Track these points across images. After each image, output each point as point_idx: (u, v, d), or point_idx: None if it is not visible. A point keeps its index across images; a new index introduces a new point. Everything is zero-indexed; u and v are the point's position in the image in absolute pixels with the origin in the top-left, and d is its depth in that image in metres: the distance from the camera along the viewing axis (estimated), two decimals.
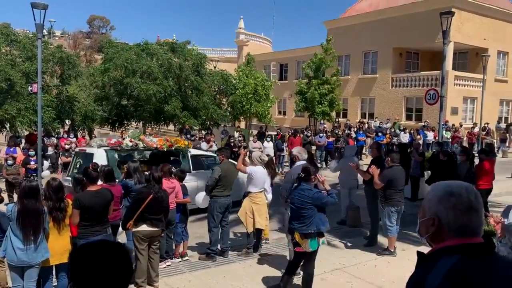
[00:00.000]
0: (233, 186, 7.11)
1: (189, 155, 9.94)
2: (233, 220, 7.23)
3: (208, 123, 21.91)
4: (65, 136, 16.45)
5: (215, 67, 25.76)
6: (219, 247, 6.91)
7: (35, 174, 10.60)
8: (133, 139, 9.15)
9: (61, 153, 14.50)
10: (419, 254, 1.70)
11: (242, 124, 30.39)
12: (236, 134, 19.27)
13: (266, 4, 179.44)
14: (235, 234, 8.24)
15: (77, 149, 10.02)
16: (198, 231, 8.15)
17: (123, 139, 9.25)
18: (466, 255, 1.56)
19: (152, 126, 22.74)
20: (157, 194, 5.45)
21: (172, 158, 9.86)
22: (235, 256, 6.91)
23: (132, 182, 6.56)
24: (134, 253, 5.46)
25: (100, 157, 8.42)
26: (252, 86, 24.70)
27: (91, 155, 8.65)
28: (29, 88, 13.07)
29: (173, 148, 9.73)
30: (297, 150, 6.45)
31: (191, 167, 9.72)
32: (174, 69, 19.81)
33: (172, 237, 6.63)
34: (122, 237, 6.50)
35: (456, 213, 1.62)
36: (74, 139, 15.99)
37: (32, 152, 11.16)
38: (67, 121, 19.53)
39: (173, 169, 6.92)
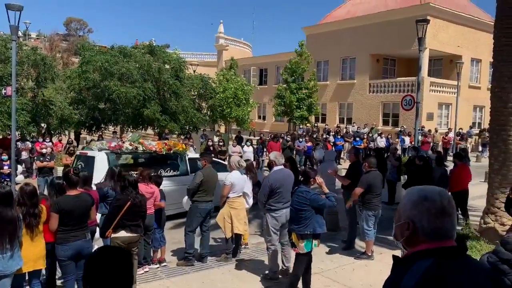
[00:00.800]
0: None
1: (187, 158, 10.20)
2: (211, 225, 7.20)
3: (188, 127, 21.81)
4: (41, 140, 16.09)
5: (194, 71, 25.70)
6: (198, 251, 6.87)
7: (8, 179, 10.34)
8: (133, 143, 9.37)
9: (36, 158, 14.17)
10: (395, 258, 1.73)
11: (222, 129, 30.35)
12: (216, 139, 19.23)
13: (246, 9, 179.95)
14: (215, 240, 8.21)
15: (77, 152, 10.35)
16: (176, 236, 8.09)
17: (123, 142, 9.49)
18: (440, 258, 1.59)
19: (131, 130, 22.47)
20: (135, 200, 5.39)
21: (169, 161, 10.06)
22: (213, 261, 6.88)
23: (107, 188, 6.47)
24: None
25: (102, 160, 8.64)
26: (232, 90, 24.73)
27: (93, 158, 8.85)
28: (3, 91, 12.78)
29: (172, 152, 9.92)
30: (274, 155, 6.45)
31: (189, 169, 9.95)
32: (153, 72, 19.67)
33: (150, 242, 6.56)
34: (98, 242, 6.39)
35: (430, 217, 1.65)
36: (50, 143, 15.65)
37: (5, 157, 10.89)
38: (43, 124, 19.13)
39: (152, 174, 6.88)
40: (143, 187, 5.98)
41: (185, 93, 21.38)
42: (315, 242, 5.35)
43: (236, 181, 6.91)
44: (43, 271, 5.09)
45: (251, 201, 7.45)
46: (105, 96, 19.43)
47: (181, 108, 20.65)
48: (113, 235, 5.40)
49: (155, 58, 21.19)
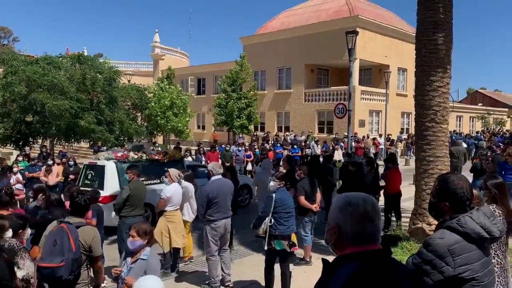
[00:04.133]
0: None
1: (185, 165, 10.83)
2: None
3: (123, 138, 21.08)
4: None
5: (129, 81, 24.98)
6: None
7: None
8: (137, 152, 10.29)
9: None
10: (324, 261, 1.78)
11: (160, 139, 29.71)
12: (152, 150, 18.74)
13: (182, 19, 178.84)
14: None
15: (86, 162, 10.86)
16: (110, 254, 7.73)
17: (129, 152, 10.33)
18: (364, 261, 1.65)
19: (62, 144, 21.29)
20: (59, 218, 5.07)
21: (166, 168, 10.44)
22: None
23: (33, 205, 6.06)
24: None
25: (111, 169, 9.35)
26: (167, 100, 24.32)
27: (103, 167, 9.47)
28: None
29: (171, 159, 10.61)
30: (212, 165, 6.42)
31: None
32: (86, 83, 18.84)
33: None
34: (27, 266, 5.94)
35: (353, 222, 1.72)
36: None
37: None
38: None
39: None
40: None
41: (119, 103, 20.68)
42: (283, 242, 5.55)
43: (174, 194, 6.76)
44: None
45: (194, 210, 7.33)
46: (34, 109, 18.28)
47: (116, 118, 19.94)
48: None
49: (87, 68, 20.31)
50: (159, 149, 19.16)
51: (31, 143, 20.55)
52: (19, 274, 3.53)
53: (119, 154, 9.88)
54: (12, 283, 2.82)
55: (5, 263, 2.92)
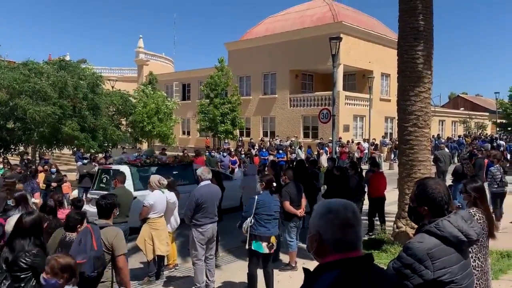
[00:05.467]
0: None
1: (194, 168, 11.01)
2: (130, 248, 6.87)
3: (107, 144, 20.84)
4: None
5: (113, 87, 24.76)
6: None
7: None
8: (149, 157, 10.77)
9: None
10: (305, 270, 1.77)
11: (145, 146, 29.46)
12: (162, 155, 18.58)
13: (167, 24, 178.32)
14: (137, 263, 7.86)
15: (101, 166, 11.43)
16: None
17: (141, 156, 10.89)
18: (345, 269, 1.63)
19: (45, 150, 20.94)
20: (50, 224, 5.02)
21: (179, 172, 10.89)
22: (136, 285, 6.58)
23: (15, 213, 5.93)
24: None
25: (126, 172, 9.31)
26: (153, 106, 24.17)
27: (117, 171, 9.50)
28: None
29: (181, 163, 11.18)
30: (201, 170, 6.40)
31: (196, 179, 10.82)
32: (69, 89, 18.59)
33: None
34: None
35: (334, 229, 1.70)
36: None
37: None
38: None
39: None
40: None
41: (103, 109, 20.45)
42: (262, 244, 5.67)
43: (157, 201, 6.70)
44: None
45: (177, 219, 7.27)
46: (15, 115, 17.97)
47: (100, 125, 19.71)
48: None
49: (70, 73, 20.05)
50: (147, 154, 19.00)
51: (12, 150, 20.20)
52: None
53: (131, 158, 10.53)
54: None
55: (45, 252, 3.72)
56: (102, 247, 3.90)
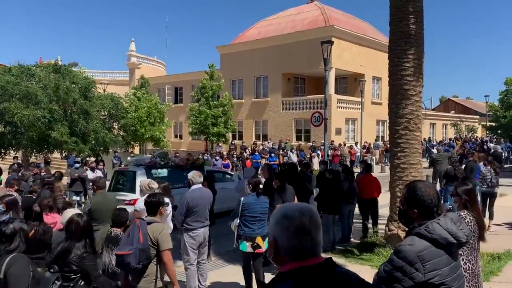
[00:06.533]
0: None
1: (205, 170, 11.71)
2: None
3: (98, 148, 20.70)
4: None
5: (104, 90, 24.64)
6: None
7: None
8: (163, 159, 11.38)
9: None
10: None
11: (136, 150, 29.35)
12: (130, 160, 18.50)
13: (159, 28, 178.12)
14: None
15: (117, 168, 12.18)
16: None
17: (155, 158, 11.40)
18: (298, 280, 1.54)
19: (35, 155, 20.75)
20: (37, 231, 4.94)
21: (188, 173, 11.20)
22: None
23: (6, 218, 5.84)
24: None
25: (142, 174, 10.12)
26: (145, 109, 24.09)
27: (134, 172, 10.37)
28: None
29: (194, 165, 11.75)
30: (192, 174, 6.37)
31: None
32: (60, 93, 18.47)
33: None
34: None
35: (289, 235, 1.61)
36: None
37: None
38: None
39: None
40: (44, 218, 5.49)
41: (94, 113, 20.33)
42: (246, 243, 5.88)
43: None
44: None
45: (171, 224, 7.20)
46: (5, 119, 17.81)
47: (91, 129, 19.59)
48: None
49: (62, 77, 19.93)
50: (136, 158, 18.93)
51: (2, 154, 20.00)
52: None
53: (147, 161, 11.04)
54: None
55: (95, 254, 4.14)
56: (148, 241, 4.13)
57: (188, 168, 10.96)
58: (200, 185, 6.24)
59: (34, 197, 7.16)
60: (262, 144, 25.63)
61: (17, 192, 8.50)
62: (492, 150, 19.59)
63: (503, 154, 21.56)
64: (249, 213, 5.96)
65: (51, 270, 3.93)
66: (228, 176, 13.16)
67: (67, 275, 3.89)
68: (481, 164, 10.68)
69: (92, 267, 3.99)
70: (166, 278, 4.40)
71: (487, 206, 9.97)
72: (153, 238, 4.18)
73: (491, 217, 9.89)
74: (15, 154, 21.54)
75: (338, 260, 7.39)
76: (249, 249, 5.92)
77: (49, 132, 17.88)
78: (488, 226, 9.80)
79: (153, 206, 4.57)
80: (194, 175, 6.34)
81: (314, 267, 1.58)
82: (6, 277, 3.17)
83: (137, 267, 4.06)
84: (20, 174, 11.84)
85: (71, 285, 3.92)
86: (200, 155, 20.38)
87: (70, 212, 4.86)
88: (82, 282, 3.96)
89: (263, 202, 6.20)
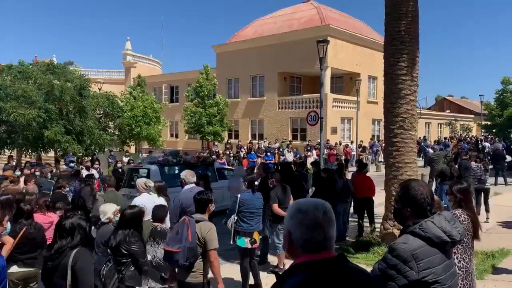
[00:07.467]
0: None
1: (215, 167, 12.48)
2: None
3: (93, 148, 20.64)
4: None
5: (100, 89, 24.55)
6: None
7: None
8: (175, 157, 11.76)
9: None
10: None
11: (132, 149, 29.26)
12: (126, 159, 18.44)
13: (154, 27, 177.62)
14: None
15: (131, 166, 12.72)
16: None
17: (168, 156, 11.77)
18: (313, 272, 1.60)
19: (30, 154, 20.66)
20: (28, 230, 4.92)
21: (201, 170, 11.21)
22: None
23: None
24: None
25: (155, 171, 10.48)
26: (141, 108, 24.03)
27: (148, 170, 10.67)
28: None
29: (204, 163, 12.24)
30: (184, 173, 6.35)
31: (217, 177, 12.06)
32: (55, 92, 18.41)
33: None
34: None
35: (302, 229, 1.69)
36: None
37: None
38: None
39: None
40: (40, 217, 5.49)
41: (90, 112, 20.26)
42: (245, 239, 6.02)
43: (146, 204, 6.61)
44: None
45: (168, 224, 7.19)
46: (0, 118, 17.75)
47: (86, 128, 19.52)
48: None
49: (56, 76, 19.85)
50: (132, 158, 18.88)
51: None
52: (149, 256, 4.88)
53: (160, 159, 11.44)
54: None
55: (142, 242, 4.53)
56: (196, 240, 4.20)
57: (199, 166, 11.59)
58: (193, 185, 6.21)
59: (64, 193, 7.73)
60: (257, 144, 25.63)
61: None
62: (494, 149, 19.69)
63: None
64: (247, 209, 6.14)
65: (97, 251, 4.67)
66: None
67: (118, 259, 4.29)
68: (472, 162, 10.85)
69: (139, 252, 4.38)
70: (210, 275, 4.47)
71: (483, 202, 10.20)
72: (201, 236, 4.22)
73: (487, 210, 10.15)
74: (10, 153, 21.46)
75: None
76: (248, 245, 6.06)
77: (43, 131, 17.83)
78: (487, 218, 9.99)
79: (203, 203, 4.55)
80: (186, 175, 6.31)
81: (327, 260, 1.66)
82: (74, 271, 3.37)
83: (184, 265, 4.16)
84: (37, 171, 12.04)
85: (122, 268, 4.30)
86: (207, 153, 20.39)
87: (107, 206, 5.32)
88: (133, 268, 4.33)
89: (259, 198, 6.42)
